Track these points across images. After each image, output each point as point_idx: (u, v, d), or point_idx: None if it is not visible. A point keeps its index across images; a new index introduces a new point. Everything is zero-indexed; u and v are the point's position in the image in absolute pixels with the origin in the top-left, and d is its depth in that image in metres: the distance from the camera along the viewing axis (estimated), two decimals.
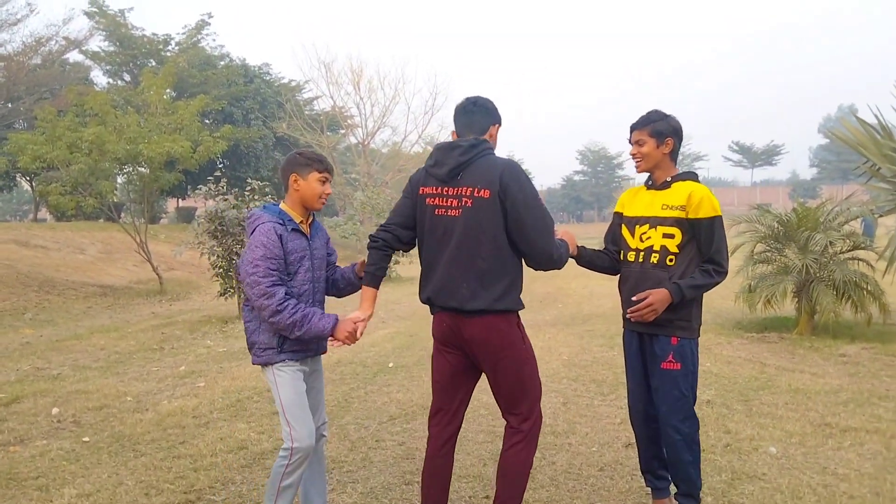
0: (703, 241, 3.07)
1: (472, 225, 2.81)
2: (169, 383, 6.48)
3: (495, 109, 3.04)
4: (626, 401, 3.44)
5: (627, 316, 3.17)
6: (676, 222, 3.08)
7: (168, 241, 18.11)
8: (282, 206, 3.06)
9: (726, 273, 3.11)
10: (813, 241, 7.88)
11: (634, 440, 3.44)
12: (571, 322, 9.81)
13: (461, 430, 3.15)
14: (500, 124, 3.05)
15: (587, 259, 3.41)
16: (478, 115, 3.00)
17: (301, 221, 3.04)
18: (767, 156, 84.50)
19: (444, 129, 30.96)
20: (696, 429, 3.15)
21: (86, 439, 4.74)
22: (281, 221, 2.94)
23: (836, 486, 3.64)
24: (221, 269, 10.90)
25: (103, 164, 14.35)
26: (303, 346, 3.00)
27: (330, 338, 3.00)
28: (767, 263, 8.66)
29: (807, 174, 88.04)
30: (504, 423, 3.04)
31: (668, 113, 3.19)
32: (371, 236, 3.09)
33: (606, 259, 3.41)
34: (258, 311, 2.88)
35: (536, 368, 3.00)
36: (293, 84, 35.97)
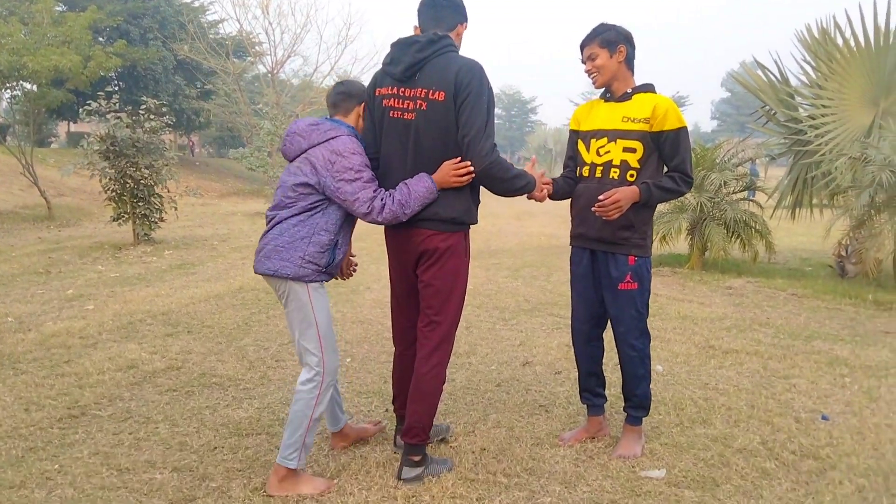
0: (668, 153, 2.97)
1: (425, 131, 2.65)
2: (54, 305, 6.12)
3: (464, 7, 2.82)
4: (570, 322, 3.33)
5: (593, 210, 2.95)
6: (640, 136, 2.94)
7: (57, 165, 16.84)
8: None
9: (692, 184, 3.04)
10: (708, 180, 8.22)
11: (574, 358, 3.36)
12: (478, 256, 9.89)
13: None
14: (467, 24, 2.82)
15: (561, 193, 3.23)
16: (448, 11, 2.77)
17: None
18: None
19: (357, 62, 30.12)
20: (648, 343, 3.13)
21: None
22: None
23: (715, 399, 3.87)
24: (115, 193, 10.23)
25: None
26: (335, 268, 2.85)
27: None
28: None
29: (708, 126, 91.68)
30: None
31: (614, 24, 3.03)
32: None
33: (572, 182, 3.24)
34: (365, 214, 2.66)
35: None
36: (196, 4, 33.74)
